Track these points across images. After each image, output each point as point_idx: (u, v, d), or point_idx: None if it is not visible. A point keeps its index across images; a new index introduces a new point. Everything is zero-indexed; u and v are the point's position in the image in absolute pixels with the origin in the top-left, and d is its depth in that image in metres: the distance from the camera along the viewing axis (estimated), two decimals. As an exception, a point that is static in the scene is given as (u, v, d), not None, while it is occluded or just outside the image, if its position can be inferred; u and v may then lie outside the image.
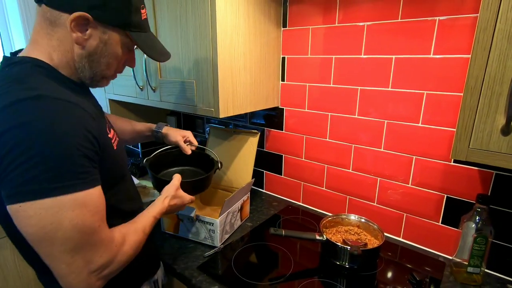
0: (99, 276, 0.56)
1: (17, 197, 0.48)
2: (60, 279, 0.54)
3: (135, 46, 0.69)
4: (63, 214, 0.50)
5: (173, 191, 0.83)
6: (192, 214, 1.03)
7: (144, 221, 0.70)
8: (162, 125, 1.05)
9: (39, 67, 0.58)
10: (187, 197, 0.87)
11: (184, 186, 0.88)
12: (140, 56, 1.22)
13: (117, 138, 0.71)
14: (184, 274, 0.92)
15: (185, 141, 1.04)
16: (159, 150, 1.05)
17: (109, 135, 0.65)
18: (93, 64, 0.63)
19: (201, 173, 1.04)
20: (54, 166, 0.49)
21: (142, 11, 0.67)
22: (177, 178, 0.87)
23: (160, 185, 0.88)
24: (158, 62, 1.18)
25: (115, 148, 0.67)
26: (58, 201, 0.49)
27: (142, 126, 1.06)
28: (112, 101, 1.51)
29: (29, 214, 0.48)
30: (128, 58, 0.71)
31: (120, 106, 1.55)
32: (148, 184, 1.46)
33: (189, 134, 1.05)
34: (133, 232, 0.65)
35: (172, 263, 0.97)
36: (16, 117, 0.49)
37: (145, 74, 1.21)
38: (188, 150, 1.03)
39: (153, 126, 1.05)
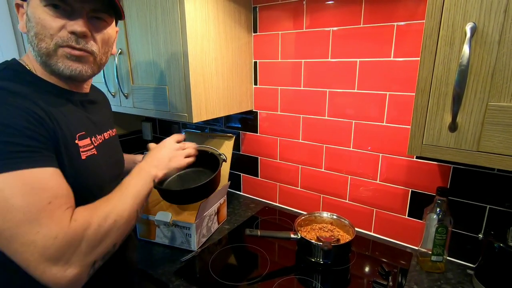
0: (47, 257, 0.49)
1: None
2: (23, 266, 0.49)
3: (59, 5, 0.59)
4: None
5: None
6: (169, 220, 1.03)
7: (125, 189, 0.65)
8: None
9: (8, 69, 0.59)
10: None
11: (191, 192, 0.83)
12: (111, 62, 1.21)
13: (95, 152, 0.67)
14: (161, 280, 0.92)
15: None
16: None
17: (76, 141, 0.62)
18: (32, 44, 0.60)
19: (205, 172, 0.99)
20: None
21: None
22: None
23: (174, 197, 0.86)
24: (129, 69, 1.18)
25: (83, 158, 0.63)
26: None
27: (138, 156, 1.03)
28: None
29: None
30: (66, 23, 0.59)
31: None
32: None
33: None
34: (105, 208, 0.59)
35: (149, 270, 0.96)
36: None
37: (116, 80, 1.20)
38: None
39: (138, 157, 1.03)
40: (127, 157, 0.97)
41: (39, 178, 0.52)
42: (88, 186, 0.65)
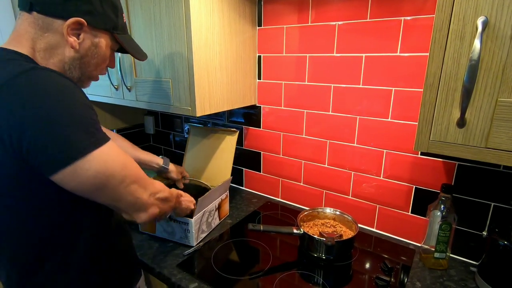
0: (155, 198, 0.70)
1: (67, 160, 0.54)
2: (128, 210, 0.66)
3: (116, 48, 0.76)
4: (111, 158, 0.59)
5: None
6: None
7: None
8: (167, 160, 1.17)
9: (28, 58, 0.61)
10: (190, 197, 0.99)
11: None
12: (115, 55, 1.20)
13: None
14: (163, 273, 0.92)
15: (182, 176, 1.24)
16: None
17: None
18: (83, 66, 0.68)
19: None
20: (81, 123, 0.56)
21: (123, 15, 0.75)
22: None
23: None
24: (132, 61, 1.17)
25: None
26: (101, 151, 0.57)
27: (146, 156, 1.14)
28: (86, 102, 1.47)
29: (86, 167, 0.55)
30: (110, 59, 0.76)
31: (95, 106, 1.51)
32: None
33: (183, 170, 1.26)
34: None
35: (151, 263, 0.96)
36: (31, 85, 0.53)
37: (119, 73, 1.19)
38: (181, 185, 1.23)
39: (159, 160, 1.15)
40: (134, 150, 1.15)
41: (117, 147, 0.64)
42: None
